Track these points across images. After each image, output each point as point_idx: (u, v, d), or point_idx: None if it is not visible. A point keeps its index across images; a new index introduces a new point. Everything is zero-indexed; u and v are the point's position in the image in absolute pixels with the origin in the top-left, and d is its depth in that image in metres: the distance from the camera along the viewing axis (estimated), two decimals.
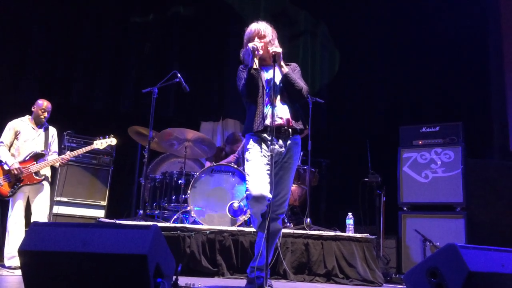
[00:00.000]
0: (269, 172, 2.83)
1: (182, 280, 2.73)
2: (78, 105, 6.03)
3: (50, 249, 2.10)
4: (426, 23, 6.45)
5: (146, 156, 4.68)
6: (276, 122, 2.91)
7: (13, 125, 4.39)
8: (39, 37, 5.90)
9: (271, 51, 2.97)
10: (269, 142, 2.83)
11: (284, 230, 4.09)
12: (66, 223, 3.25)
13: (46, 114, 4.47)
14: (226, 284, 3.59)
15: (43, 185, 4.34)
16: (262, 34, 3.05)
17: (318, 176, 5.55)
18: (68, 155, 4.46)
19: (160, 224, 4.04)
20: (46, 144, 4.48)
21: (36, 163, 4.28)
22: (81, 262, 2.09)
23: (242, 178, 4.54)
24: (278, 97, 3.02)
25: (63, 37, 6.03)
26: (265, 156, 2.92)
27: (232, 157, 5.22)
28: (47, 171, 4.42)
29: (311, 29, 7.10)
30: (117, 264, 2.08)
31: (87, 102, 6.10)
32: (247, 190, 2.86)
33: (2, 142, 4.31)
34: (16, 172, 4.16)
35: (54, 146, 4.59)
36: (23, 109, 4.60)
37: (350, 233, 4.53)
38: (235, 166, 4.77)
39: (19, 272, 3.56)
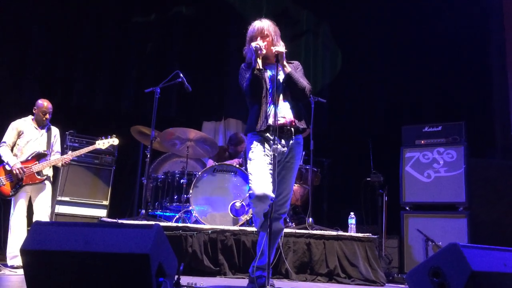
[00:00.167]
0: (271, 171, 2.83)
1: (184, 280, 2.73)
2: (79, 105, 6.05)
3: (52, 249, 2.11)
4: (426, 22, 6.45)
5: (148, 156, 4.69)
6: (279, 122, 2.90)
7: (16, 125, 4.39)
8: (39, 37, 5.92)
9: (274, 51, 2.96)
10: (271, 142, 2.83)
11: (286, 230, 4.08)
12: (68, 222, 3.26)
13: (48, 116, 4.47)
14: (228, 283, 3.59)
15: (45, 184, 4.34)
16: (265, 34, 3.03)
17: (320, 176, 5.55)
18: (70, 155, 4.47)
19: (162, 224, 4.03)
20: (49, 144, 4.48)
21: (38, 163, 4.29)
22: (83, 262, 2.09)
23: (244, 177, 4.54)
24: (281, 96, 3.01)
25: (63, 37, 6.05)
26: (267, 156, 2.91)
27: (236, 161, 5.21)
28: (49, 171, 4.43)
29: (313, 29, 7.10)
30: (120, 264, 2.08)
31: (87, 102, 6.11)
32: (249, 189, 2.86)
33: (4, 142, 4.32)
34: (17, 172, 4.16)
35: (57, 146, 4.59)
36: (24, 109, 4.60)
37: (352, 232, 4.52)
38: (237, 165, 4.77)
39: (21, 271, 3.57)
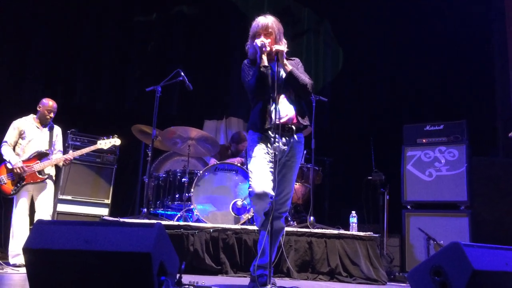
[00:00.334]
0: (272, 169, 2.82)
1: (186, 278, 2.74)
2: (80, 105, 6.05)
3: (54, 247, 2.11)
4: (426, 21, 6.44)
5: (149, 155, 4.69)
6: (282, 120, 2.90)
7: (17, 125, 4.40)
8: (40, 37, 5.91)
9: (274, 50, 2.95)
10: (272, 140, 2.82)
11: (287, 229, 4.08)
12: (70, 221, 3.26)
13: (52, 115, 4.47)
14: (229, 282, 3.59)
15: (46, 183, 4.35)
16: (270, 31, 3.02)
17: (321, 175, 5.55)
18: (72, 154, 4.47)
19: (163, 222, 4.04)
20: (51, 143, 4.49)
21: (40, 162, 4.30)
22: (85, 260, 2.10)
23: (246, 176, 4.53)
24: (283, 94, 3.01)
25: (63, 36, 6.05)
26: (268, 154, 2.90)
27: (238, 160, 5.21)
28: (51, 170, 4.44)
29: (314, 27, 7.09)
30: (121, 262, 2.09)
31: (88, 102, 6.12)
32: (249, 187, 2.85)
33: (6, 141, 4.32)
34: (18, 170, 4.17)
35: (59, 145, 4.60)
36: (24, 109, 4.61)
37: (353, 231, 4.52)
38: (239, 164, 4.77)
39: (23, 270, 3.57)
